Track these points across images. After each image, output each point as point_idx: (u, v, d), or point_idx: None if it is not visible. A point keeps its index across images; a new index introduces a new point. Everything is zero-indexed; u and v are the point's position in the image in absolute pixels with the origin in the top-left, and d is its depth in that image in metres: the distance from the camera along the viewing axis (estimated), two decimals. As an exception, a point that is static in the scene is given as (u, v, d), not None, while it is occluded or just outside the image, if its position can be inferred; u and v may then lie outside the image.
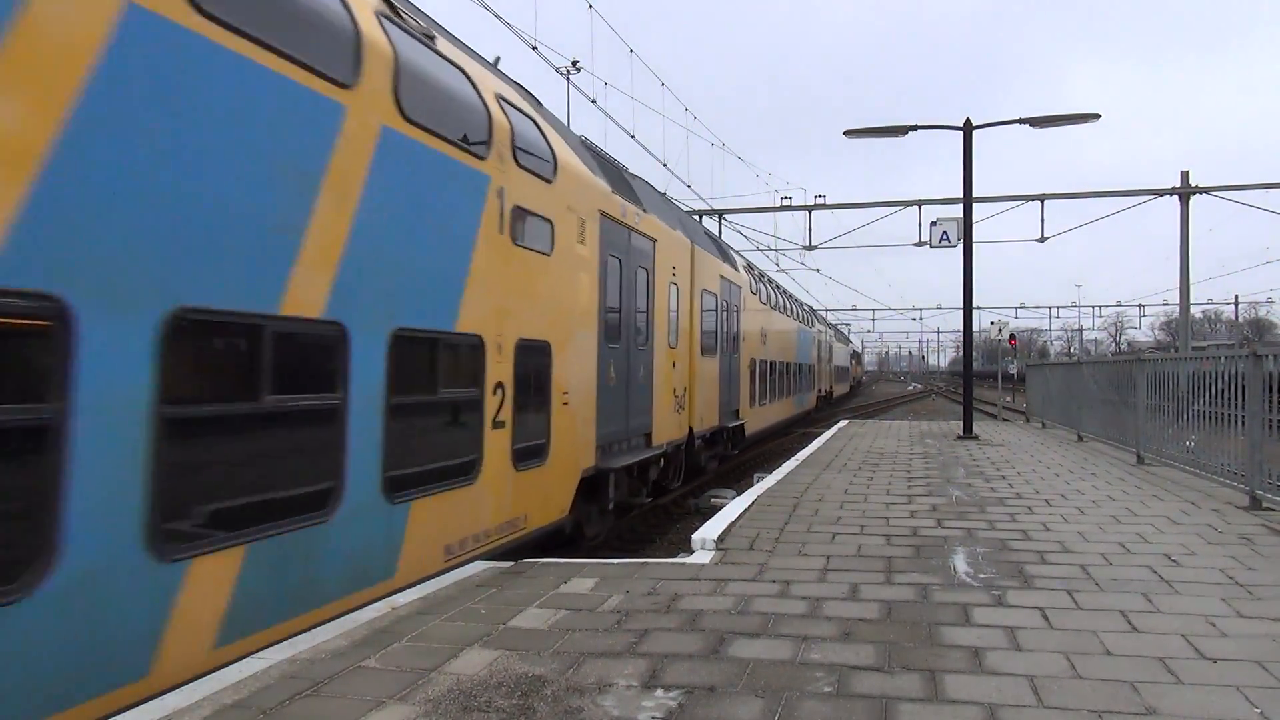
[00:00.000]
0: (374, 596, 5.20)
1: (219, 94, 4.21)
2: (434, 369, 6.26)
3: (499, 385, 6.93)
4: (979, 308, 60.80)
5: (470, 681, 3.76)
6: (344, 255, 5.07)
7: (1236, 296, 63.28)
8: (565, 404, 8.34)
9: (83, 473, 3.46)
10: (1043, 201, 25.83)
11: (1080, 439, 16.08)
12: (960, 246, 17.72)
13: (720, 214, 28.71)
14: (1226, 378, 9.03)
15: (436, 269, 6.11)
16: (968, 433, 17.04)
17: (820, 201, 27.96)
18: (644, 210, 11.26)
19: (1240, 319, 70.51)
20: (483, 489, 6.69)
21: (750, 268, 20.71)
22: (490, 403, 6.81)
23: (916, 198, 26.44)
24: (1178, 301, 27.20)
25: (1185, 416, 10.25)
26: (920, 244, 26.87)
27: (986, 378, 61.52)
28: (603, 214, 9.43)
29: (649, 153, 20.50)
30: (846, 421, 23.12)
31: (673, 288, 12.47)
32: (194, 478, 4.03)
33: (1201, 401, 9.68)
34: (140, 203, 3.76)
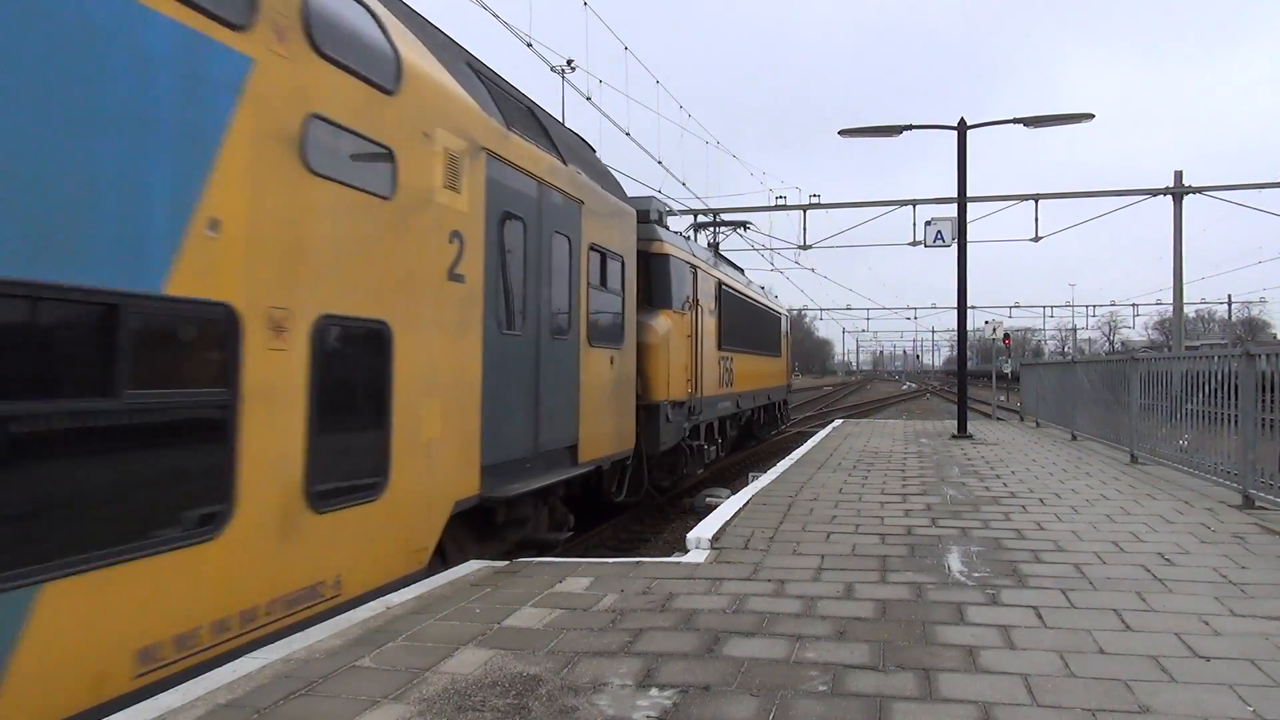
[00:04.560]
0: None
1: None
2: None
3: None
4: (973, 307, 60.94)
5: (465, 681, 3.75)
6: None
7: (1230, 296, 63.45)
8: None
9: None
10: (1036, 201, 25.89)
11: (1074, 438, 16.11)
12: (954, 246, 17.76)
13: (716, 213, 28.70)
14: (1220, 377, 9.06)
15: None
16: (962, 432, 17.07)
17: (815, 201, 27.98)
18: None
19: (1233, 318, 70.73)
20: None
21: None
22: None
23: (911, 197, 26.49)
24: (1171, 301, 27.30)
25: (1179, 416, 10.28)
26: (915, 243, 26.91)
27: (981, 377, 61.63)
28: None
29: (644, 151, 20.46)
30: (841, 421, 23.15)
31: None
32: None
33: (1195, 401, 9.71)
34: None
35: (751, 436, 22.62)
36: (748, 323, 19.29)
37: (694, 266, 14.15)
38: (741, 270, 21.61)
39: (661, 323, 12.37)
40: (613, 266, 10.28)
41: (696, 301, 14.14)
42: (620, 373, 10.33)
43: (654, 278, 12.68)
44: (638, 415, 11.35)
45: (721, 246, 21.11)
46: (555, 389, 8.27)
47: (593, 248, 9.45)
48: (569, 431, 8.72)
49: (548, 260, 8.14)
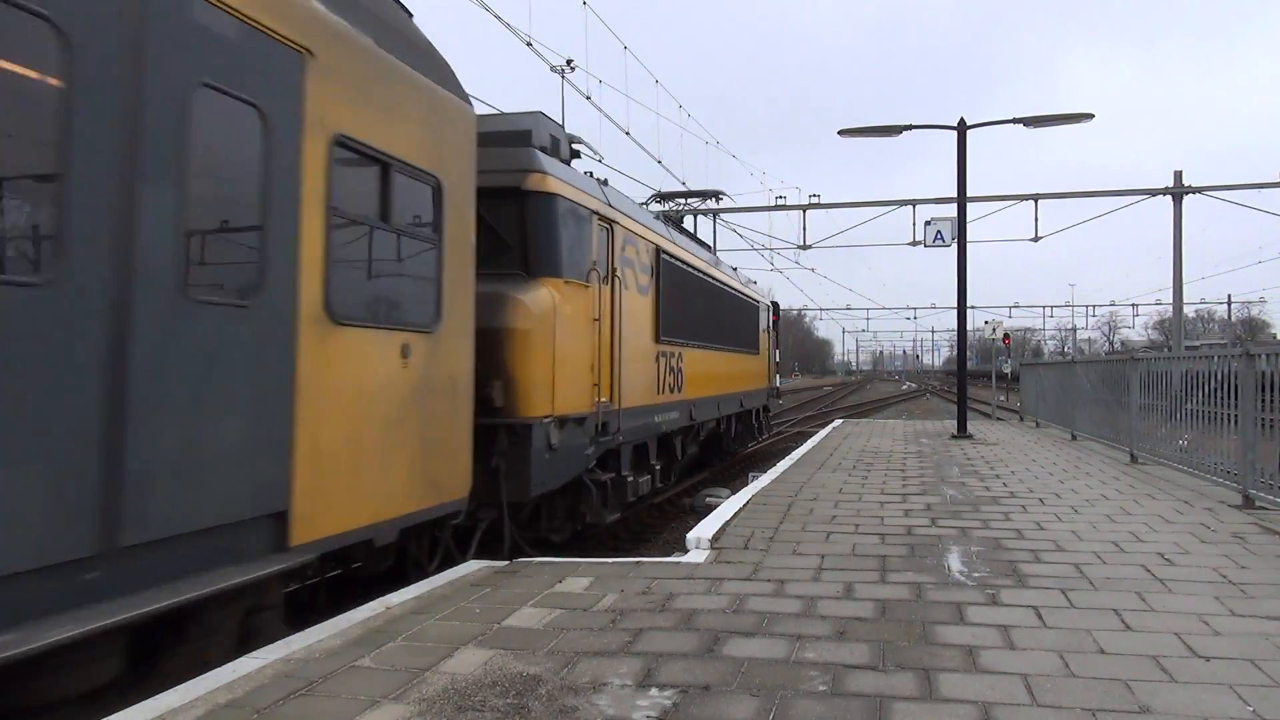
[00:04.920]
0: None
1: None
2: None
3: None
4: (973, 307, 61.05)
5: (465, 681, 3.75)
6: None
7: (1229, 296, 63.48)
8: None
9: None
10: (1036, 201, 25.91)
11: (1074, 438, 16.12)
12: (954, 246, 17.77)
13: (715, 213, 28.71)
14: (1219, 377, 9.06)
15: None
16: (962, 432, 17.08)
17: (814, 201, 28.00)
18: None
19: (1233, 318, 70.78)
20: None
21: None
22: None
23: (911, 197, 26.52)
24: (1171, 301, 27.32)
25: (1178, 415, 10.28)
26: (915, 243, 26.94)
27: (980, 377, 61.69)
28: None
29: (644, 149, 20.47)
30: (841, 421, 23.15)
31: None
32: None
33: (1194, 400, 9.72)
34: None
35: (721, 452, 17.75)
36: (706, 308, 14.27)
37: (608, 221, 9.63)
38: (705, 245, 16.70)
39: (541, 297, 7.98)
40: (409, 190, 6.08)
41: (614, 271, 9.74)
42: (429, 374, 6.17)
43: (531, 228, 8.28)
44: (497, 440, 7.50)
45: (719, 247, 20.04)
46: (192, 403, 4.22)
47: (346, 144, 5.30)
48: (256, 488, 4.59)
49: (167, 134, 4.11)
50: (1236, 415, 8.48)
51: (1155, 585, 5.31)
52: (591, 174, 10.43)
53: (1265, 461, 8.09)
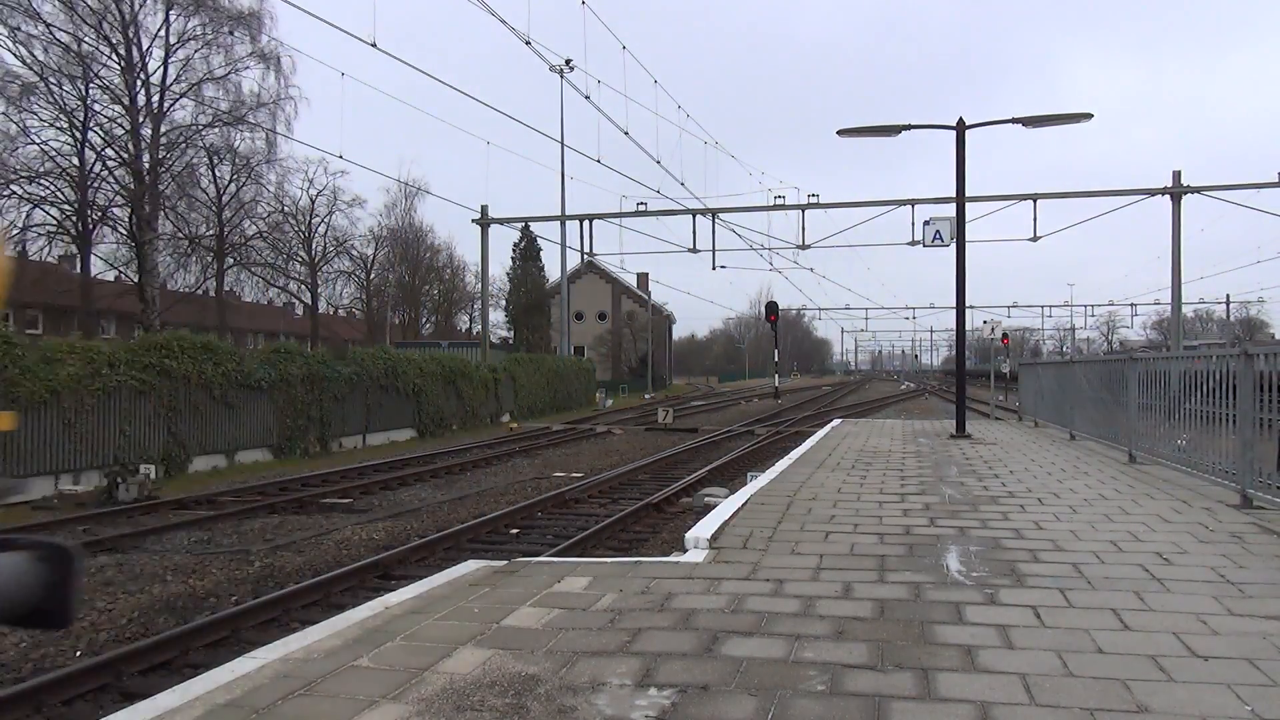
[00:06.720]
0: None
1: None
2: None
3: None
4: (972, 307, 61.13)
5: (463, 681, 3.75)
6: None
7: (1228, 295, 63.70)
8: None
9: None
10: (1035, 201, 25.96)
11: (1072, 438, 16.12)
12: (953, 246, 17.78)
13: (714, 213, 28.75)
14: (1218, 376, 9.07)
15: None
16: (960, 431, 17.08)
17: (813, 201, 28.03)
18: None
19: (1231, 318, 70.89)
20: None
21: None
22: None
23: (909, 197, 26.62)
24: (1170, 300, 27.35)
25: (1177, 415, 10.28)
26: (914, 243, 27.00)
27: (979, 377, 61.71)
28: None
29: (642, 149, 20.48)
30: (840, 420, 23.18)
31: None
32: None
33: (1193, 400, 9.72)
34: None
35: None
36: None
37: None
38: None
39: None
40: None
41: None
42: None
43: None
44: None
45: (718, 246, 19.67)
46: None
47: None
48: None
49: None
50: (1234, 415, 8.48)
51: (1153, 585, 5.31)
52: None
53: (1263, 461, 8.09)
